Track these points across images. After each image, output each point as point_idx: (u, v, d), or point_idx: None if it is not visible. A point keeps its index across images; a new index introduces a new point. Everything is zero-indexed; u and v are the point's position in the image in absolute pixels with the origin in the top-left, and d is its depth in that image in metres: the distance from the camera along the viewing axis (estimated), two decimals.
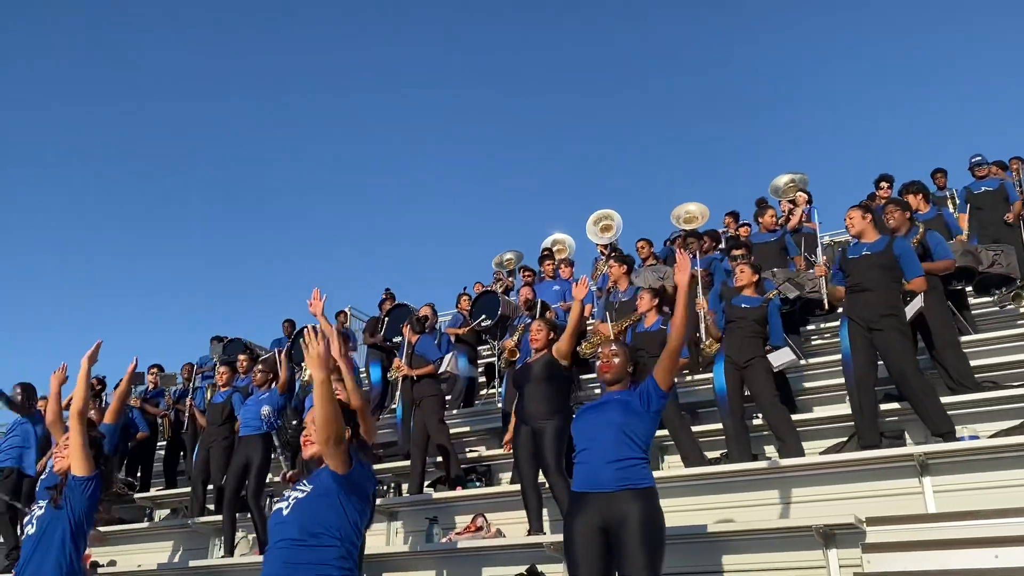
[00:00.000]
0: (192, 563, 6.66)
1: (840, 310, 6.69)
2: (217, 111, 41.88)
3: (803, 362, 7.55)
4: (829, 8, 40.93)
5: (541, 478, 5.65)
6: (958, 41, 40.21)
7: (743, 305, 6.14)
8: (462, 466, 7.10)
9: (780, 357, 5.94)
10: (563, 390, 5.52)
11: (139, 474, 9.31)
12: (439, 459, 7.12)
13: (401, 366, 7.31)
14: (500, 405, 7.95)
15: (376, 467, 6.96)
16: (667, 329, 6.29)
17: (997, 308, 7.85)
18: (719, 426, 6.40)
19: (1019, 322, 7.46)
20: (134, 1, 39.21)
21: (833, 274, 5.96)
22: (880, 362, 5.54)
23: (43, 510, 3.69)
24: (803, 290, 7.80)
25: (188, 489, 8.40)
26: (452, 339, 9.28)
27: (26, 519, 3.82)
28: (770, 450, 6.01)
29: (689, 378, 7.66)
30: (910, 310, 5.59)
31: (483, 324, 8.71)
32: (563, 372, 5.53)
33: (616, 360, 3.91)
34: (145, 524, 8.17)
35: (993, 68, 40.91)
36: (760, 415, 6.00)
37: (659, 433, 6.41)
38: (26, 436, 7.67)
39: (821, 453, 5.69)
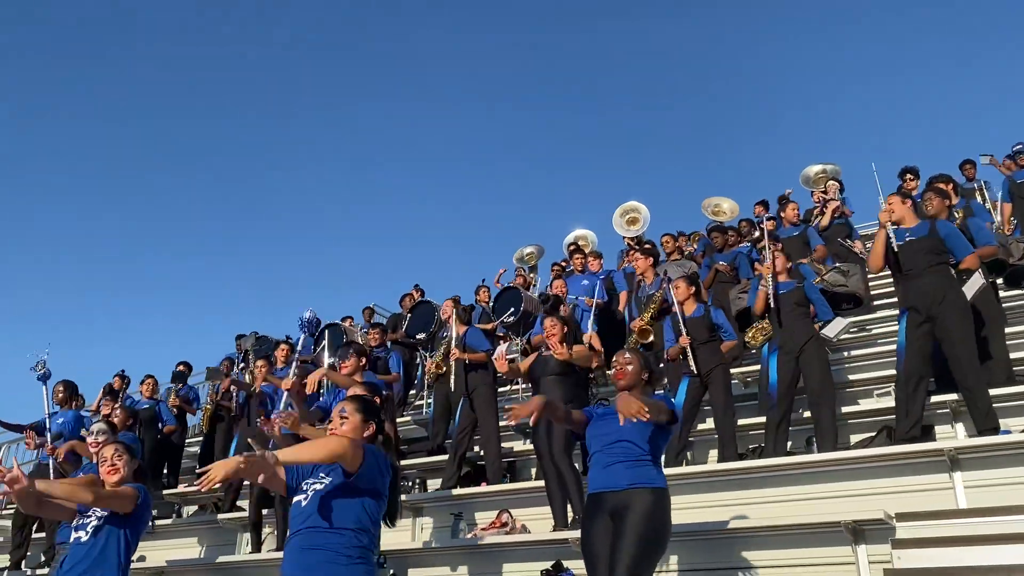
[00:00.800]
0: (221, 559, 6.72)
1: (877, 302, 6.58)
2: (218, 111, 42.16)
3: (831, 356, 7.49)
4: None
5: None
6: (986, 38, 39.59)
7: (781, 292, 6.12)
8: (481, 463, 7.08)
9: (835, 327, 5.82)
10: (580, 382, 5.59)
11: (166, 470, 9.39)
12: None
13: (454, 351, 7.11)
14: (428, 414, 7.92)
15: (402, 463, 6.99)
16: (711, 315, 6.33)
17: None
18: (747, 421, 6.39)
19: None
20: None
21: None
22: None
23: (99, 520, 3.79)
24: (826, 283, 7.75)
25: (218, 485, 8.48)
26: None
27: (75, 522, 3.89)
28: (793, 446, 5.97)
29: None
30: (970, 289, 5.38)
31: (507, 320, 8.71)
32: (579, 367, 5.57)
33: (630, 368, 3.95)
34: (173, 520, 8.25)
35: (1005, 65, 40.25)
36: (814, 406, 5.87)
37: (700, 427, 6.40)
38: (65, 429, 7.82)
39: (851, 448, 5.63)
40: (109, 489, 3.89)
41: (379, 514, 3.16)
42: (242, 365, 9.79)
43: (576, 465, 5.53)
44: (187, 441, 10.20)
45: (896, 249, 5.44)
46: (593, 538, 3.66)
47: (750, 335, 6.53)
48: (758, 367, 7.07)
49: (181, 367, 10.03)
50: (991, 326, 5.78)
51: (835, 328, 5.85)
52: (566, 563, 5.05)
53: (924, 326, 5.23)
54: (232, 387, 8.54)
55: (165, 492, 8.88)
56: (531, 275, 12.30)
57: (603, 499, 3.67)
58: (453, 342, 7.23)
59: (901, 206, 5.59)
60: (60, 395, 8.21)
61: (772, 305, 6.10)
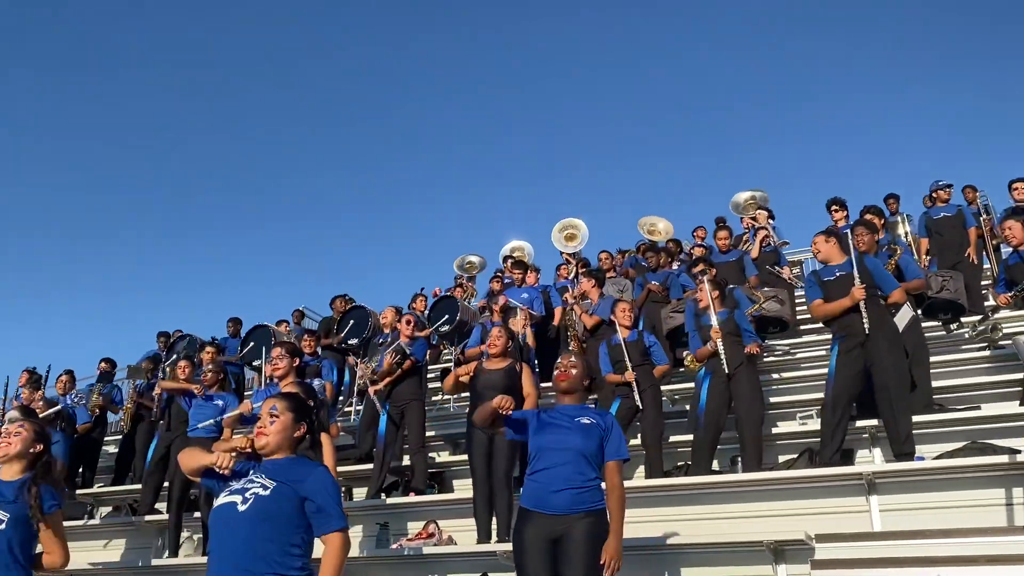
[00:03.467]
0: (152, 562, 6.50)
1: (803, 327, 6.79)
2: (187, 105, 41.18)
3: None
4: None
5: None
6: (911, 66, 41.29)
7: (706, 323, 6.24)
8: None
9: (903, 317, 5.86)
10: (522, 398, 5.53)
11: (81, 469, 9.04)
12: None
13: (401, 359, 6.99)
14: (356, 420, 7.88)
15: None
16: (644, 339, 6.44)
17: (944, 333, 8.05)
18: (676, 438, 6.50)
19: (964, 347, 7.65)
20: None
21: (809, 290, 5.94)
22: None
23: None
24: (760, 306, 7.95)
25: (133, 487, 8.21)
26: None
27: None
28: (720, 465, 6.09)
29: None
30: (900, 321, 5.63)
31: (441, 329, 8.68)
32: (519, 379, 5.57)
33: (574, 371, 3.95)
34: (86, 521, 7.95)
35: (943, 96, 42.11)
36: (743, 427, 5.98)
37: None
38: None
39: (773, 469, 5.78)
40: None
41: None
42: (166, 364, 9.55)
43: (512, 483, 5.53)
44: (105, 439, 9.85)
45: (823, 286, 5.65)
46: (527, 548, 3.62)
47: (688, 360, 6.66)
48: (689, 384, 7.21)
49: (104, 364, 9.71)
50: (916, 356, 6.00)
51: (904, 317, 5.90)
52: (493, 575, 5.05)
53: (855, 352, 5.39)
54: (157, 388, 8.32)
55: (79, 492, 8.56)
56: (469, 284, 12.28)
57: (540, 519, 3.62)
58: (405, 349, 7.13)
59: (826, 245, 5.79)
60: None
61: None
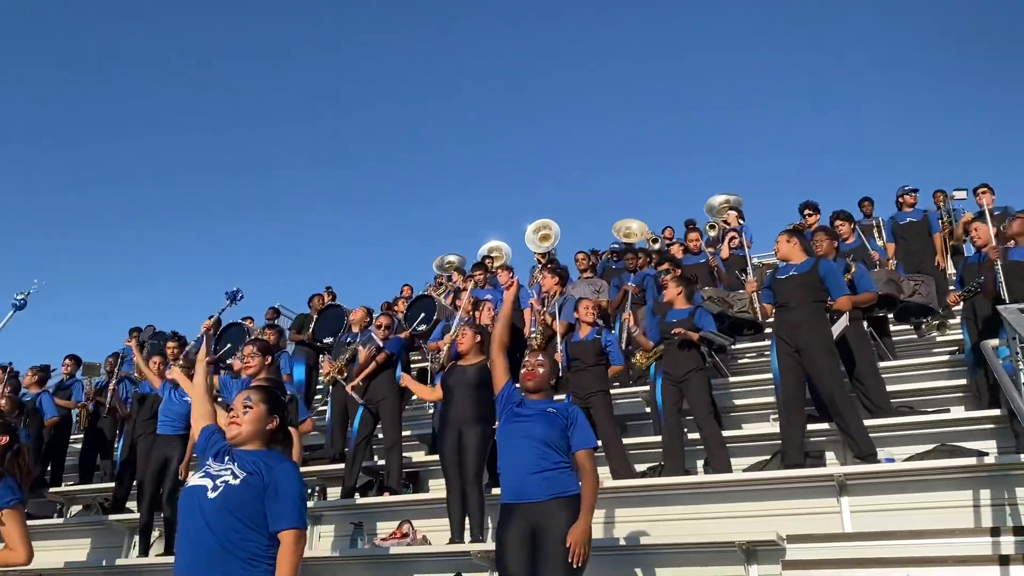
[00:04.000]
0: (119, 562, 6.40)
1: (768, 330, 6.90)
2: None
3: (730, 379, 7.75)
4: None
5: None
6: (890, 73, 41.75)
7: (674, 320, 6.22)
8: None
9: (839, 325, 5.93)
10: (492, 397, 5.55)
11: (50, 467, 8.92)
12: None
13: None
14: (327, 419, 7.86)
15: (301, 470, 6.82)
16: (602, 339, 6.42)
17: (916, 336, 8.16)
18: (647, 439, 6.52)
19: (935, 350, 7.76)
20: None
21: (763, 292, 6.11)
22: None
23: None
24: (731, 309, 8.00)
25: (103, 485, 8.11)
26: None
27: None
28: (700, 465, 6.12)
29: (620, 391, 7.77)
30: (835, 329, 5.76)
31: (419, 328, 8.66)
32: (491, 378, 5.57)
33: (541, 370, 4.02)
34: (57, 520, 7.84)
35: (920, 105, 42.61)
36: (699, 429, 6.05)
37: None
38: None
39: (745, 470, 5.82)
40: None
41: None
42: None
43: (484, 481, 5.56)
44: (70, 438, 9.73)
45: (775, 283, 5.85)
46: (508, 551, 3.64)
47: (636, 357, 6.68)
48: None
49: (67, 360, 9.58)
50: (863, 361, 6.13)
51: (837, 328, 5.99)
52: (467, 575, 5.05)
53: (794, 356, 5.56)
54: (113, 386, 8.26)
55: (49, 491, 8.44)
56: (450, 284, 12.27)
57: (520, 510, 3.66)
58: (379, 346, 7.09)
59: (786, 245, 5.95)
60: None
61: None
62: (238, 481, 2.81)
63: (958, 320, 7.43)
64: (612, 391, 7.61)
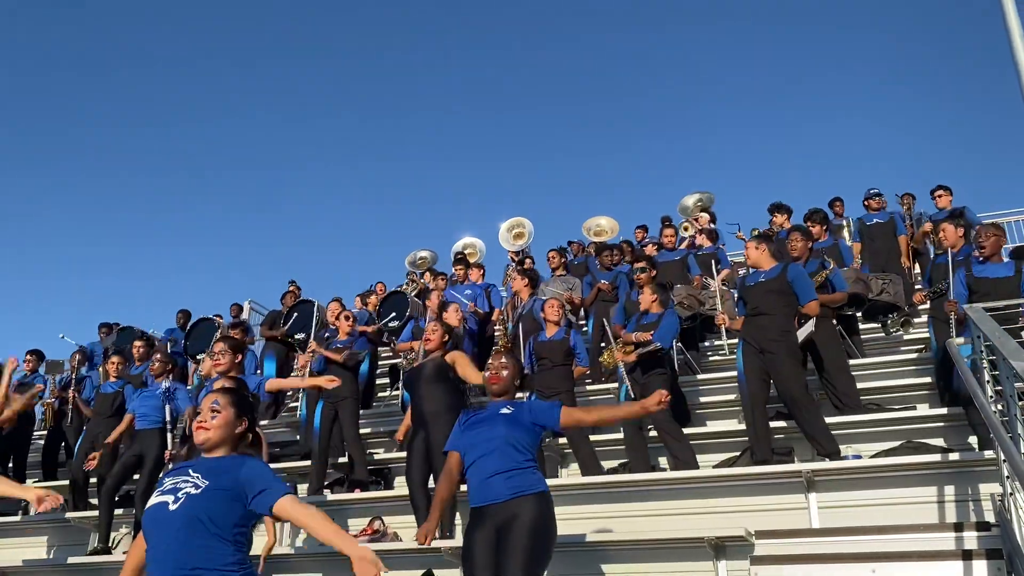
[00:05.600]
0: (71, 560, 6.29)
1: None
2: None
3: (699, 376, 7.80)
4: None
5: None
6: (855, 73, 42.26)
7: (644, 322, 6.31)
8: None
9: (804, 330, 5.98)
10: (455, 389, 5.62)
11: (11, 464, 8.76)
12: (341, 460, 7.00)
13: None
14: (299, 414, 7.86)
15: (273, 466, 6.76)
16: (570, 339, 6.44)
17: (884, 334, 8.25)
18: (616, 436, 6.53)
19: (903, 348, 7.86)
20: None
21: (736, 306, 6.17)
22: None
23: None
24: (702, 307, 8.06)
25: (67, 482, 7.97)
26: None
27: None
28: (666, 462, 6.15)
29: (589, 388, 7.79)
30: (801, 333, 5.83)
31: (390, 324, 8.62)
32: (454, 373, 5.62)
33: (505, 373, 4.04)
34: (19, 517, 7.71)
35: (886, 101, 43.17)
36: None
37: (561, 441, 6.49)
38: None
39: (714, 467, 5.86)
40: None
41: (254, 519, 2.88)
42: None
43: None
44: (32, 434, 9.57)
45: (744, 291, 5.93)
46: (475, 549, 3.64)
47: (604, 356, 6.71)
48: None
49: (29, 355, 9.41)
50: (833, 359, 6.18)
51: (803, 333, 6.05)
52: (438, 572, 5.03)
53: (759, 357, 5.63)
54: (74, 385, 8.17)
55: None
56: (422, 280, 12.23)
57: (486, 512, 3.67)
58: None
59: (755, 252, 6.01)
60: None
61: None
62: (199, 491, 2.73)
63: (924, 319, 7.53)
64: (585, 387, 7.70)
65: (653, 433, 6.15)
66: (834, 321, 6.58)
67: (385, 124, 46.47)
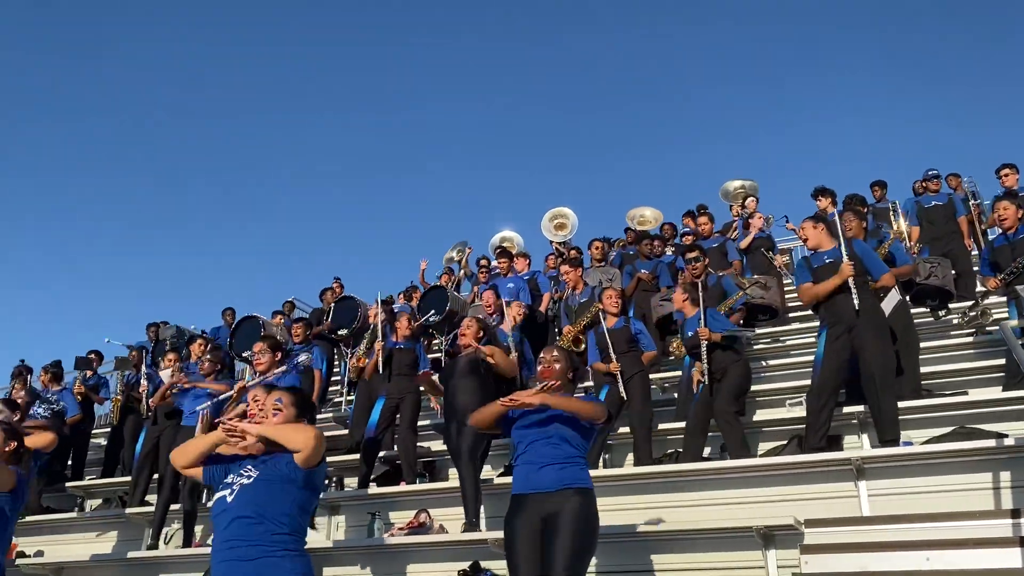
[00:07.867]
0: (131, 554, 6.44)
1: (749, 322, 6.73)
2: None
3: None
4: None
5: (484, 474, 5.73)
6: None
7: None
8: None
9: (891, 301, 5.86)
10: (488, 382, 5.66)
11: (71, 461, 9.00)
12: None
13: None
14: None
15: None
16: (631, 327, 6.44)
17: (932, 319, 8.08)
18: (666, 425, 6.52)
19: (952, 333, 7.68)
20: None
21: (799, 274, 5.89)
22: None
23: None
24: (767, 292, 7.98)
25: (123, 479, 8.17)
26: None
27: None
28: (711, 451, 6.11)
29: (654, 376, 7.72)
30: (887, 305, 5.67)
31: (431, 319, 8.66)
32: (487, 366, 5.66)
33: (557, 366, 4.01)
34: (74, 514, 7.91)
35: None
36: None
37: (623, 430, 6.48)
38: None
39: (762, 456, 5.80)
40: None
41: (312, 507, 3.10)
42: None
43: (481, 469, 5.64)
44: (94, 432, 9.83)
45: (814, 272, 5.63)
46: (518, 540, 3.65)
47: (674, 346, 6.67)
48: (678, 372, 7.24)
49: (91, 355, 9.67)
50: (905, 341, 6.01)
51: (890, 303, 5.90)
52: (484, 564, 5.05)
53: (843, 338, 5.36)
54: (145, 381, 8.30)
55: (68, 485, 8.52)
56: (460, 274, 12.22)
57: (530, 500, 3.68)
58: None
59: (813, 231, 5.77)
60: None
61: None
62: (250, 481, 2.93)
63: (992, 301, 7.29)
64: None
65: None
66: (905, 297, 6.37)
67: (420, 115, 46.63)
